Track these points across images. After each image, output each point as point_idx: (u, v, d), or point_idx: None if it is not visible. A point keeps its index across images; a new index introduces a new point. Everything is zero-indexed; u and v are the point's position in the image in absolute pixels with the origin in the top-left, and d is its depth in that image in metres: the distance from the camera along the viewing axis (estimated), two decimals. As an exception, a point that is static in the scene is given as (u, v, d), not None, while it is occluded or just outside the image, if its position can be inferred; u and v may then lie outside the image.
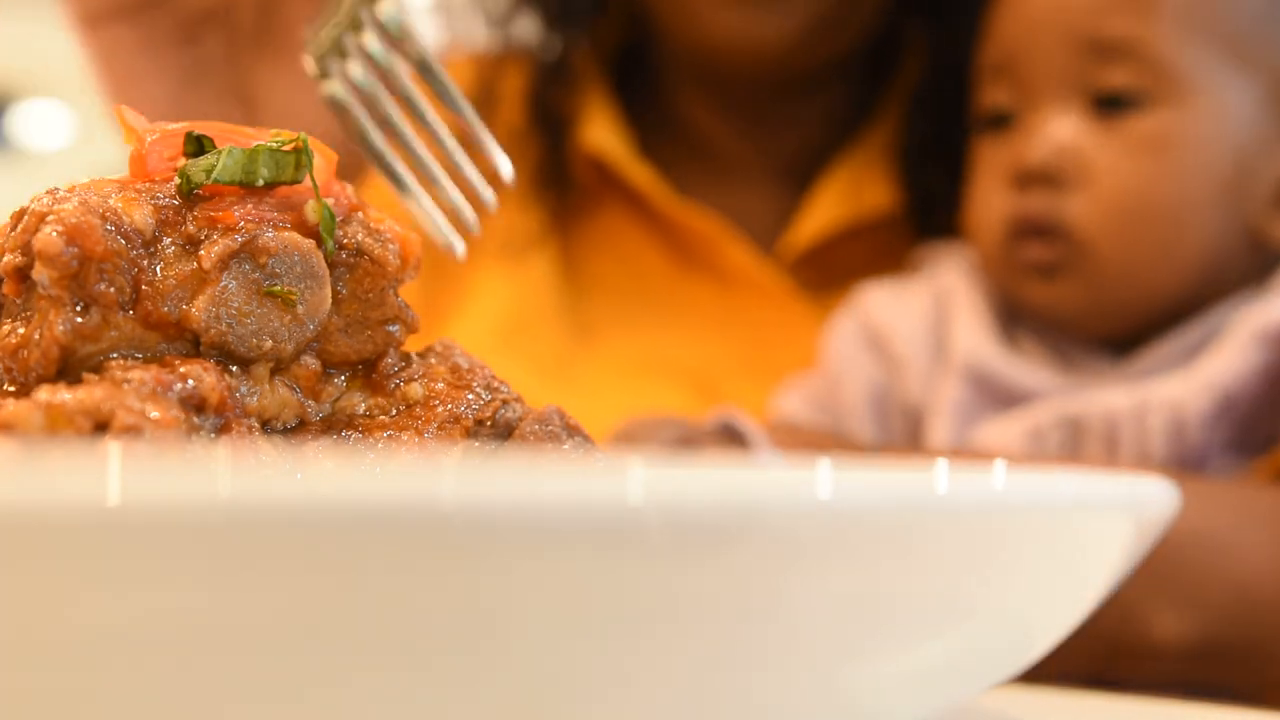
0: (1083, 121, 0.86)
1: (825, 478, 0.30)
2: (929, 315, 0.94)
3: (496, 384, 0.46)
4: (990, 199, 0.90)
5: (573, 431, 0.46)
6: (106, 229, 0.40)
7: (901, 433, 0.93)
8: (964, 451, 0.86)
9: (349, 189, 0.46)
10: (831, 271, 1.04)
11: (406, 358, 0.46)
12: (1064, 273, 0.87)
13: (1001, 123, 0.91)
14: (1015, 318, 0.93)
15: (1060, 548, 0.37)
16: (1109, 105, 0.86)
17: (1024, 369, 0.89)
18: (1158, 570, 0.71)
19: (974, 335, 0.90)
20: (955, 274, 0.95)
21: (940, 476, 0.32)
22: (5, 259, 0.41)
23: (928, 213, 1.02)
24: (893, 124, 1.06)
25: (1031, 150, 0.87)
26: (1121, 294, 0.87)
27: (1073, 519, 0.37)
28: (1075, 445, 0.83)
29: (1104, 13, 0.86)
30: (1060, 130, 0.86)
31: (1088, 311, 0.88)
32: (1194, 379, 0.82)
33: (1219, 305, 0.87)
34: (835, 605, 0.32)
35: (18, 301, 0.42)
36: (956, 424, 0.88)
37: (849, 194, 1.04)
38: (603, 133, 1.04)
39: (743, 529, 0.29)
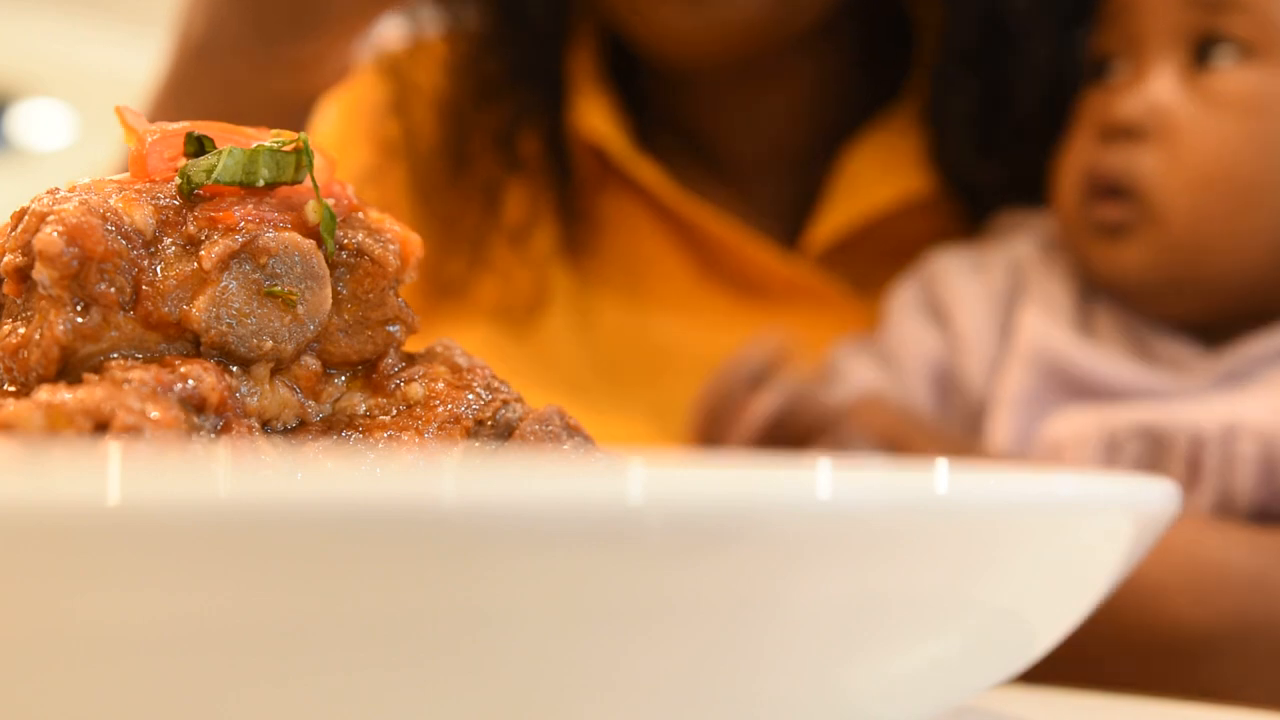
0: (1181, 78, 0.81)
1: (825, 478, 0.30)
2: (999, 291, 0.88)
3: (496, 384, 0.46)
4: (1073, 153, 0.85)
5: (573, 431, 0.46)
6: (107, 229, 0.40)
7: (961, 416, 0.87)
8: (1028, 455, 0.81)
9: (349, 189, 0.46)
10: (865, 263, 0.99)
11: (407, 358, 0.46)
12: (1131, 234, 0.81)
13: (1105, 72, 0.86)
14: (1093, 297, 0.86)
15: (1060, 548, 0.37)
16: (1209, 57, 0.80)
17: (1099, 357, 0.83)
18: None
19: (1045, 318, 0.85)
20: (1031, 245, 0.90)
21: (940, 476, 0.32)
22: (6, 259, 0.41)
23: (976, 203, 0.98)
24: (918, 103, 1.02)
25: (1123, 103, 0.82)
26: (1190, 265, 0.81)
27: (1073, 519, 0.37)
28: (1154, 463, 0.77)
29: None
30: (1154, 85, 0.81)
31: (1154, 282, 0.82)
32: None
33: None
34: (835, 605, 0.32)
35: (18, 301, 0.42)
36: (1021, 417, 0.83)
37: (877, 179, 0.99)
38: (598, 120, 1.01)
39: (742, 529, 0.29)
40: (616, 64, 1.06)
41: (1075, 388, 0.82)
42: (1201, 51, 0.81)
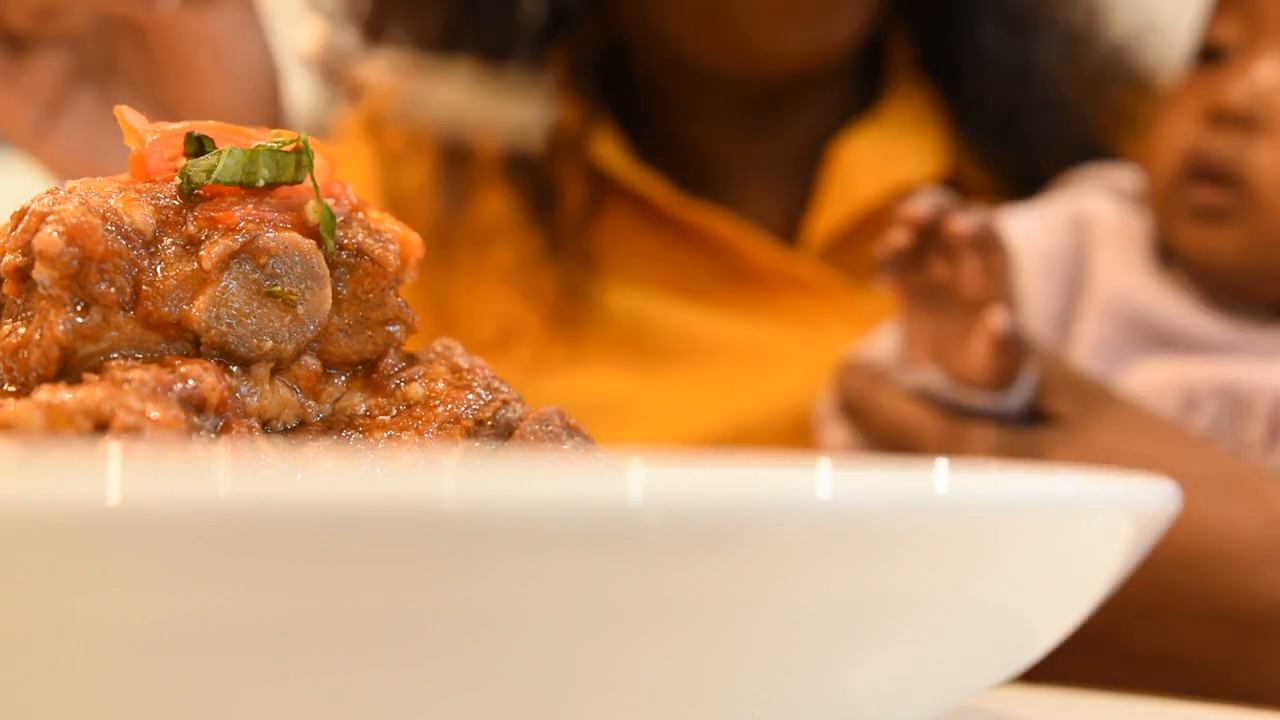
0: None
1: (825, 478, 0.30)
2: (1064, 246, 0.87)
3: (496, 384, 0.46)
4: (1177, 129, 0.83)
5: (573, 431, 0.46)
6: (107, 229, 0.40)
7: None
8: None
9: (350, 189, 0.46)
10: (867, 258, 0.98)
11: (407, 358, 0.46)
12: (1229, 221, 0.80)
13: (1216, 57, 0.84)
14: (1169, 254, 0.86)
15: (1060, 548, 0.37)
16: None
17: (1181, 307, 0.82)
18: None
19: (1123, 267, 0.84)
20: (1101, 199, 0.89)
21: (940, 476, 0.32)
22: (5, 259, 0.41)
23: (1021, 176, 0.99)
24: (908, 94, 1.04)
25: (1235, 89, 0.81)
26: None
27: (1073, 519, 0.37)
28: (1234, 422, 0.78)
29: None
30: (1272, 75, 0.80)
31: (1244, 267, 0.82)
32: None
33: None
34: (835, 605, 0.32)
35: (18, 301, 0.42)
36: (1100, 366, 0.81)
37: (870, 173, 1.01)
38: (602, 148, 1.02)
39: (742, 529, 0.29)
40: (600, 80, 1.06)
41: (1154, 337, 0.82)
42: None
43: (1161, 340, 0.82)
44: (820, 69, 1.00)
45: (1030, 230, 0.88)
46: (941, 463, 0.35)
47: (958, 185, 1.01)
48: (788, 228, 1.04)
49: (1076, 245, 0.88)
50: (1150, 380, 0.80)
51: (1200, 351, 0.81)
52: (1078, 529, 0.37)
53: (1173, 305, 0.83)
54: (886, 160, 1.01)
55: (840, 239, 1.01)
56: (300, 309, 0.43)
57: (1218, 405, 0.78)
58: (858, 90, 1.06)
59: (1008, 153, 1.01)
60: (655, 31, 1.01)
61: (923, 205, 0.77)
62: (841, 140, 1.03)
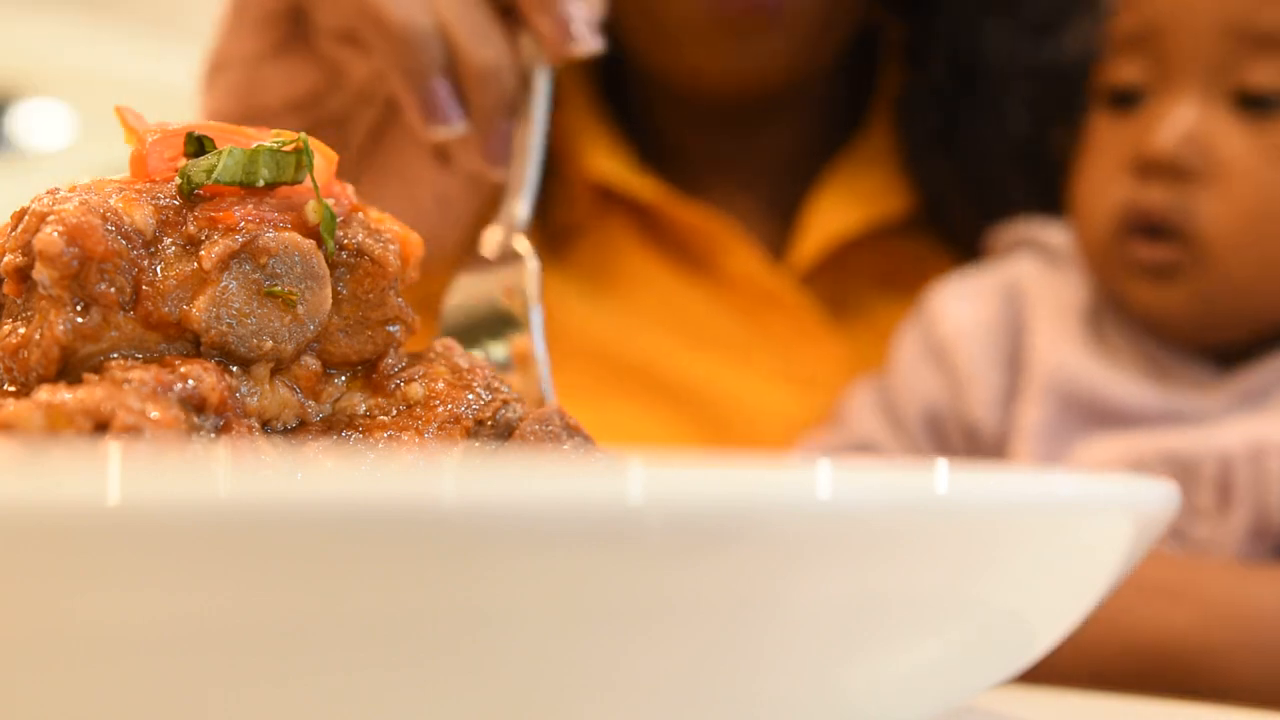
0: (1221, 113, 0.78)
1: (825, 478, 0.30)
2: (1000, 319, 0.86)
3: (496, 384, 0.46)
4: (1104, 185, 0.82)
5: (573, 431, 0.46)
6: (107, 229, 0.40)
7: (962, 454, 0.85)
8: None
9: (349, 189, 0.46)
10: (849, 286, 1.01)
11: (407, 358, 0.46)
12: (1179, 277, 0.79)
13: (1128, 101, 0.82)
14: (1102, 316, 0.85)
15: (1060, 548, 0.37)
16: (1256, 104, 0.78)
17: (1120, 382, 0.81)
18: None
19: (1060, 344, 0.83)
20: (1031, 264, 0.88)
21: (940, 477, 0.32)
22: (6, 259, 0.41)
23: (941, 213, 1.00)
24: (888, 126, 1.04)
25: (1159, 136, 0.78)
26: (1239, 306, 0.80)
27: (1073, 519, 0.37)
28: (1184, 487, 0.74)
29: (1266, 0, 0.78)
30: (1194, 118, 0.78)
31: (1198, 320, 0.80)
32: None
33: None
34: (835, 605, 0.32)
35: (18, 301, 0.42)
36: (1043, 447, 0.81)
37: (856, 199, 1.01)
38: (603, 157, 1.01)
39: (742, 529, 0.29)
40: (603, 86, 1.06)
41: (1096, 414, 0.81)
42: (1244, 100, 0.79)
43: (1102, 416, 0.81)
44: (782, 89, 1.00)
45: (966, 309, 0.87)
46: (941, 463, 0.35)
47: (931, 222, 1.01)
48: (778, 241, 1.05)
49: (1012, 317, 0.86)
50: (1098, 456, 0.79)
51: (1143, 423, 0.80)
52: (1078, 529, 0.37)
53: (1111, 380, 0.81)
54: (860, 192, 1.01)
55: (817, 268, 1.02)
56: (300, 309, 0.43)
57: (1165, 473, 0.76)
58: (843, 114, 1.07)
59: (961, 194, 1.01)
60: (625, 54, 1.02)
61: None
62: (829, 166, 1.04)
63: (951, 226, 0.99)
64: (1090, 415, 0.81)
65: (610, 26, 0.88)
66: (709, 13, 0.93)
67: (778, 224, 1.05)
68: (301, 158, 0.44)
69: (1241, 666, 0.72)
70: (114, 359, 0.41)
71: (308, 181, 0.44)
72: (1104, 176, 0.82)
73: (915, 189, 1.01)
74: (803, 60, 0.98)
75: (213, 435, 0.40)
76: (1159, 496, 0.40)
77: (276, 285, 0.42)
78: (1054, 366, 0.82)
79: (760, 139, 1.05)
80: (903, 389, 0.88)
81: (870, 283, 0.99)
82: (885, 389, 0.90)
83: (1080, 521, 0.37)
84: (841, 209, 1.01)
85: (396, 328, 0.45)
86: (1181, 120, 0.78)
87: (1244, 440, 0.76)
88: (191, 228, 0.42)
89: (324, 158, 0.45)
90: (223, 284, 0.42)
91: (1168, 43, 0.80)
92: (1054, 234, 0.90)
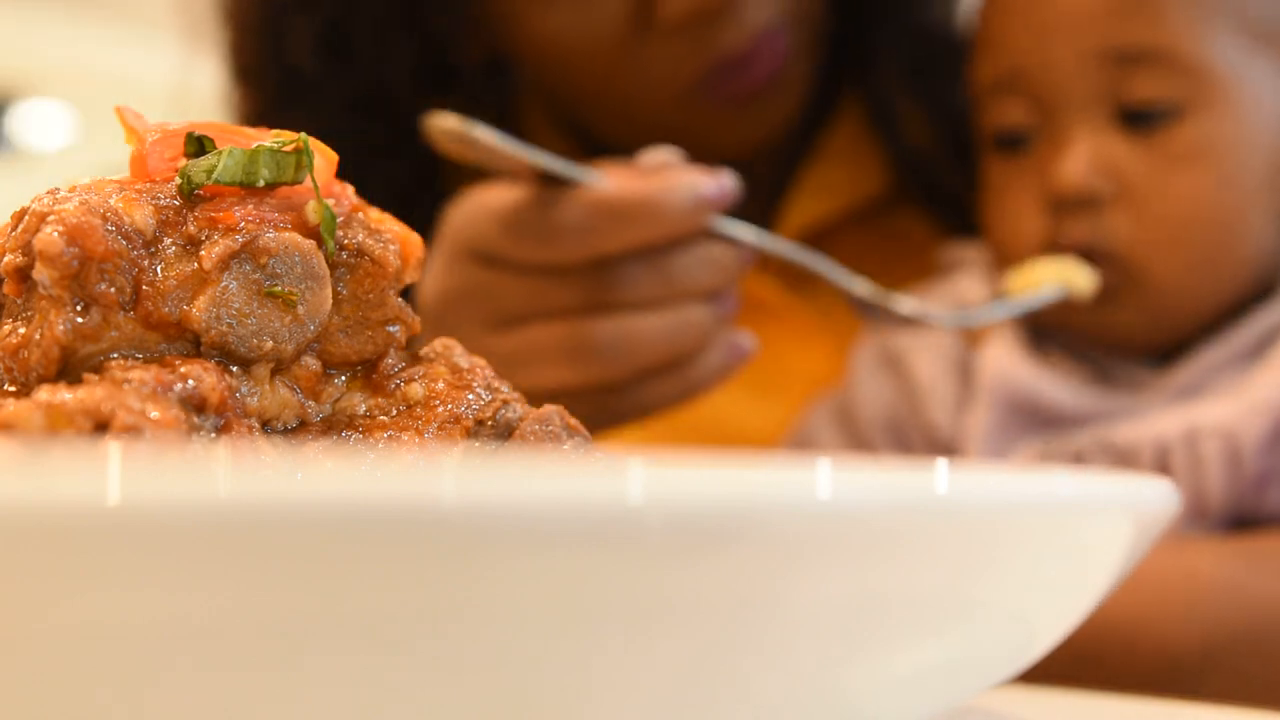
0: (1115, 136, 0.81)
1: (825, 478, 0.30)
2: (951, 334, 0.89)
3: (496, 384, 0.46)
4: (1019, 226, 0.84)
5: (573, 431, 0.46)
6: (107, 229, 0.40)
7: (927, 459, 0.87)
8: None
9: (350, 190, 0.46)
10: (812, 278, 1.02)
11: (407, 358, 0.46)
12: (1119, 298, 0.81)
13: (1016, 143, 0.85)
14: (1043, 337, 0.87)
15: (1060, 548, 0.37)
16: (1141, 118, 0.81)
17: (1060, 387, 0.84)
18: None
19: (1002, 353, 0.85)
20: (977, 282, 0.90)
21: (940, 476, 0.32)
22: (6, 259, 0.41)
23: (920, 178, 1.00)
24: (860, 108, 1.04)
25: (1066, 171, 0.81)
26: (1176, 312, 0.82)
27: (1073, 519, 0.37)
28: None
29: (1121, 16, 0.80)
30: (1092, 148, 0.81)
31: (1147, 334, 0.84)
32: (1246, 399, 0.77)
33: (1264, 308, 0.82)
34: (835, 605, 0.32)
35: (18, 301, 0.42)
36: (989, 451, 0.83)
37: (834, 185, 1.02)
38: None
39: (742, 529, 0.29)
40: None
41: (1039, 418, 0.84)
42: (1131, 116, 0.81)
43: (1045, 419, 0.84)
44: (783, 134, 1.00)
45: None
46: (941, 463, 0.35)
47: (900, 202, 1.02)
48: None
49: (961, 333, 0.89)
50: (1037, 454, 0.82)
51: (1084, 425, 0.83)
52: (1078, 529, 0.37)
53: (1051, 386, 0.84)
54: (841, 174, 1.02)
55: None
56: (300, 309, 0.43)
57: (1105, 464, 0.79)
58: (815, 103, 1.07)
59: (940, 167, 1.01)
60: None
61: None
62: (804, 155, 1.04)
63: (931, 192, 1.00)
64: (1033, 419, 0.84)
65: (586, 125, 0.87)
66: (704, 97, 0.93)
67: (756, 220, 1.05)
68: (301, 158, 0.44)
69: (1181, 637, 0.74)
70: (114, 359, 0.41)
71: (308, 182, 0.44)
72: (1017, 218, 0.85)
73: (892, 162, 1.01)
74: (800, 101, 0.99)
75: (213, 435, 0.40)
76: (1159, 496, 0.40)
77: (277, 285, 0.42)
78: (999, 375, 0.85)
79: (735, 141, 1.05)
80: (863, 400, 0.90)
81: (855, 267, 0.99)
82: (843, 402, 0.92)
83: (1080, 521, 0.37)
84: (821, 195, 1.02)
85: (396, 328, 0.45)
86: (1082, 150, 0.81)
87: (1179, 426, 0.78)
88: (192, 228, 0.42)
89: (324, 158, 0.45)
90: (223, 284, 0.42)
91: (1038, 81, 0.83)
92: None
